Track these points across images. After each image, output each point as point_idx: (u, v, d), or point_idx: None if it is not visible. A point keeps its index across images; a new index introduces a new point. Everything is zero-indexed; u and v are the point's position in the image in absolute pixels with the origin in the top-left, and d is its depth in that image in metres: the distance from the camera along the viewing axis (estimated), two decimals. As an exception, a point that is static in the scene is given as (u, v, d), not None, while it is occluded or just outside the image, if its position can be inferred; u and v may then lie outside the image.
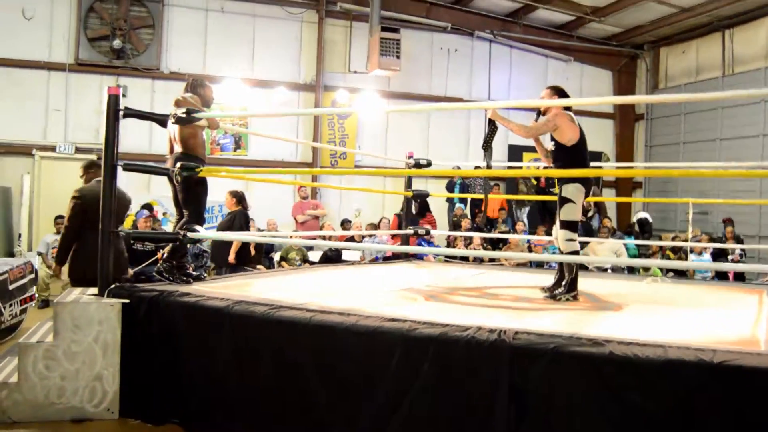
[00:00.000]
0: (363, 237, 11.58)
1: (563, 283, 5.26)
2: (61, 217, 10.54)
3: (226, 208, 12.30)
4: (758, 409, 2.90)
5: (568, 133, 5.18)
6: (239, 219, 9.07)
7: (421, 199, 9.66)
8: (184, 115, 5.09)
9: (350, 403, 3.76)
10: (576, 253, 5.32)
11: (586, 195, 5.28)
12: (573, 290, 5.20)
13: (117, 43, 12.83)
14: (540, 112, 5.47)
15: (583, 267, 9.56)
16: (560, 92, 5.31)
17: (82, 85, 12.88)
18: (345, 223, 12.86)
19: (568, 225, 5.22)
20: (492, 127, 5.38)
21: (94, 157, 12.49)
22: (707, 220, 14.23)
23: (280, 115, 14.96)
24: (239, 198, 9.27)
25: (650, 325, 4.33)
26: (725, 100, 13.97)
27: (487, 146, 5.38)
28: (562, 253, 5.27)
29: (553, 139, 5.27)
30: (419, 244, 9.49)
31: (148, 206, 11.81)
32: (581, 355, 3.21)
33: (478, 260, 10.77)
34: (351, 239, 11.38)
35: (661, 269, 9.73)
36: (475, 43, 15.67)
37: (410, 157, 8.11)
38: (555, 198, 5.44)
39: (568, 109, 5.31)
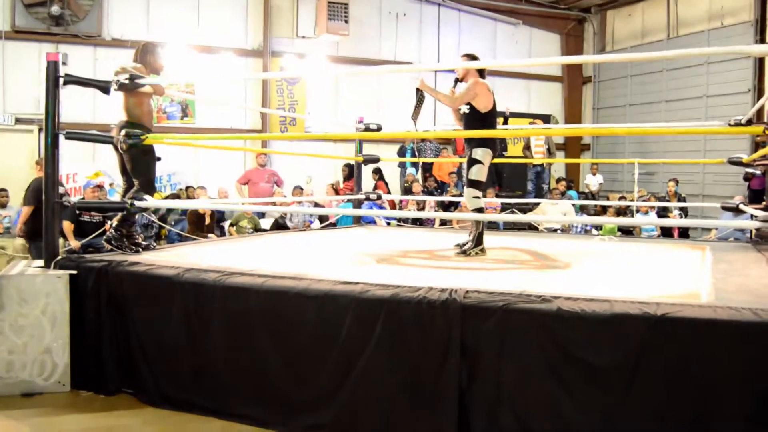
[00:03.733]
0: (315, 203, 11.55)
1: (471, 238, 5.58)
2: (3, 190, 10.29)
3: (174, 177, 12.17)
4: (699, 357, 3.00)
5: (484, 101, 5.52)
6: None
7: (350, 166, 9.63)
8: (126, 82, 4.97)
9: (304, 368, 3.77)
10: (481, 209, 5.66)
11: (492, 158, 5.66)
12: (480, 244, 5.55)
13: (55, 9, 12.40)
14: (457, 80, 5.72)
15: (533, 227, 9.74)
16: (474, 58, 5.59)
17: (20, 53, 12.46)
18: (296, 190, 12.80)
19: (475, 184, 5.58)
20: (420, 96, 5.62)
21: (35, 127, 12.26)
22: (653, 180, 14.53)
23: (227, 78, 14.71)
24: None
25: (597, 281, 4.43)
26: (670, 63, 14.21)
27: (416, 116, 5.55)
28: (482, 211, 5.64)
29: (468, 103, 5.53)
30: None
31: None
32: (530, 312, 3.27)
33: (430, 224, 10.83)
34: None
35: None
36: (424, 7, 15.61)
37: (360, 121, 8.08)
38: (505, 161, 5.71)
39: (482, 76, 5.60)
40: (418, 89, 5.58)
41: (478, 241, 5.54)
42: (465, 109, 5.56)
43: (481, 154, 5.51)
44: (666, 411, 3.04)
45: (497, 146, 5.81)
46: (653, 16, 15.30)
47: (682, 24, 14.52)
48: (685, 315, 3.06)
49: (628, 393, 3.09)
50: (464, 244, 5.66)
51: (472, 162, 5.54)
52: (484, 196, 6.06)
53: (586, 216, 11.95)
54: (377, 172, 12.83)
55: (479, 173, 5.55)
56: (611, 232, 9.63)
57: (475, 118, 5.52)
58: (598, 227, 10.66)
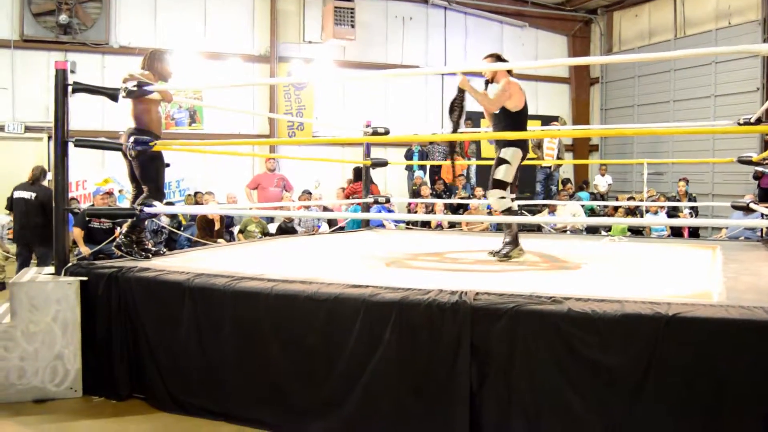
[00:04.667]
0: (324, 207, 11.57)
1: (508, 240, 5.41)
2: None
3: (183, 183, 12.18)
4: (711, 357, 2.98)
5: (516, 100, 5.35)
6: None
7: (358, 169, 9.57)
8: (134, 89, 4.98)
9: (314, 372, 3.77)
10: (510, 209, 5.46)
11: (522, 159, 5.47)
12: (518, 243, 5.41)
13: (63, 17, 12.50)
14: (488, 82, 5.53)
15: (539, 228, 9.72)
16: (500, 58, 5.43)
17: (29, 62, 12.56)
18: (304, 194, 12.81)
19: (500, 184, 5.39)
20: (460, 94, 5.35)
21: (44, 135, 12.32)
22: (663, 180, 14.49)
23: (234, 85, 14.76)
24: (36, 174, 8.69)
25: (608, 282, 4.42)
26: (677, 63, 14.18)
27: (452, 111, 5.38)
28: (491, 213, 5.43)
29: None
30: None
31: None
32: (541, 313, 3.26)
33: (439, 227, 10.83)
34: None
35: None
36: (430, 11, 15.63)
37: (368, 125, 8.08)
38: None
39: (511, 75, 5.43)
40: (459, 87, 5.33)
41: (515, 240, 5.42)
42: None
43: (510, 154, 5.34)
44: (679, 411, 3.02)
45: (528, 146, 5.64)
46: (660, 16, 15.27)
47: (689, 24, 14.48)
48: (696, 315, 3.05)
49: (640, 394, 3.07)
50: (499, 250, 5.50)
51: (500, 162, 5.36)
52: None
53: (596, 217, 11.91)
54: (357, 172, 12.83)
55: (506, 173, 5.35)
56: (621, 233, 9.61)
57: (507, 118, 5.35)
58: (608, 227, 10.63)
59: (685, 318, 3.03)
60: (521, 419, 3.29)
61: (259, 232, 10.35)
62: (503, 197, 5.39)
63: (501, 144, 5.40)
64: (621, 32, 16.46)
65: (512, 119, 5.35)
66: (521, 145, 5.40)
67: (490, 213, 11.37)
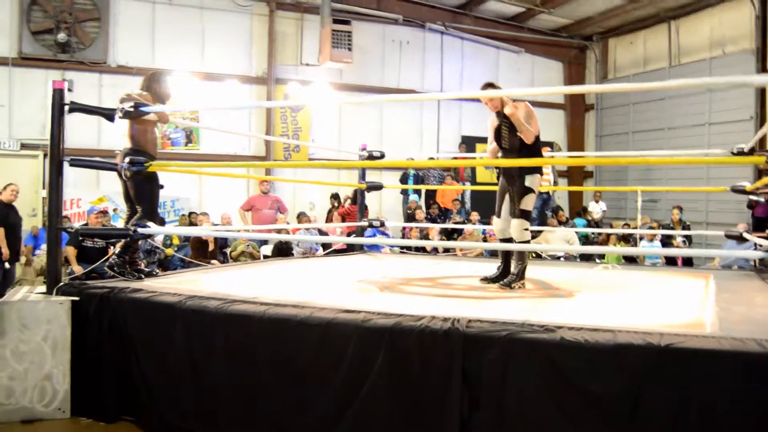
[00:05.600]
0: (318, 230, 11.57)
1: (516, 271, 5.31)
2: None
3: (177, 203, 12.18)
4: (703, 389, 2.97)
5: (534, 125, 5.25)
6: None
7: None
8: (131, 110, 5.00)
9: (305, 397, 3.74)
10: (528, 242, 5.41)
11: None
12: (524, 277, 5.31)
13: (62, 36, 12.55)
14: (499, 113, 5.36)
15: (537, 255, 9.71)
16: (494, 87, 5.31)
17: (27, 79, 12.58)
18: (301, 216, 12.81)
19: (525, 214, 5.30)
20: (507, 123, 5.27)
21: (40, 153, 12.32)
22: (657, 207, 14.52)
23: (231, 108, 14.80)
24: None
25: (600, 310, 4.41)
26: (672, 91, 14.26)
27: (507, 143, 5.32)
28: (512, 241, 5.34)
29: (514, 129, 5.25)
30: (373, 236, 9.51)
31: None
32: (533, 342, 3.25)
33: (435, 251, 10.83)
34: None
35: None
36: (427, 35, 15.72)
37: (363, 149, 8.11)
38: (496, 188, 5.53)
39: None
40: (504, 115, 5.22)
41: (522, 274, 5.30)
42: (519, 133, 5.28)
43: (534, 182, 5.27)
44: (670, 442, 3.01)
45: (542, 172, 5.60)
46: (655, 44, 15.40)
47: (684, 52, 14.61)
48: (689, 346, 3.05)
49: (632, 423, 3.06)
50: (494, 278, 5.49)
51: (526, 191, 5.25)
52: (488, 223, 5.93)
53: (590, 246, 11.92)
54: (335, 197, 12.87)
55: (529, 203, 5.29)
56: (615, 260, 9.61)
57: (525, 144, 5.24)
58: (601, 255, 10.63)
59: (678, 349, 3.03)
60: (512, 448, 3.27)
61: (248, 255, 10.36)
62: (527, 228, 5.32)
63: (525, 171, 5.26)
64: (616, 59, 16.59)
65: (530, 146, 5.27)
66: (541, 171, 5.37)
67: (485, 239, 11.40)
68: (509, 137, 5.32)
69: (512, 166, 5.32)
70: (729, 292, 5.17)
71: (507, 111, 5.15)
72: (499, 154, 5.53)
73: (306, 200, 14.29)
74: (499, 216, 5.54)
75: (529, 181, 5.26)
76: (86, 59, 12.93)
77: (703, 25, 14.14)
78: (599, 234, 12.53)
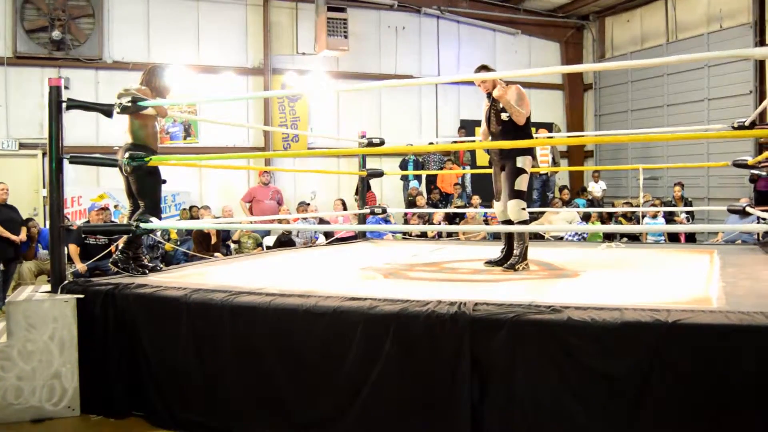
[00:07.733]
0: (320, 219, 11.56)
1: (517, 253, 5.35)
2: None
3: (179, 197, 12.18)
4: (712, 363, 2.97)
5: (525, 107, 5.32)
6: None
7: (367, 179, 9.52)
8: (129, 105, 4.98)
9: (314, 386, 3.75)
10: (527, 221, 5.47)
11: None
12: (527, 257, 5.37)
13: (56, 34, 12.48)
14: (490, 94, 5.45)
15: (539, 236, 9.70)
16: (488, 70, 5.36)
17: (23, 78, 12.52)
18: (301, 206, 12.81)
19: (520, 194, 5.36)
20: (494, 104, 5.38)
21: (38, 152, 12.31)
22: (658, 185, 14.50)
23: (229, 99, 14.76)
24: None
25: (606, 289, 4.41)
26: (670, 67, 14.21)
27: (489, 121, 5.42)
28: (512, 222, 5.38)
29: (504, 110, 5.31)
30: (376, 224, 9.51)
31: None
32: (540, 323, 3.25)
33: (438, 236, 10.82)
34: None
35: (610, 236, 9.86)
36: (423, 20, 15.64)
37: (363, 136, 8.09)
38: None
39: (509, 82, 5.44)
40: (494, 98, 5.32)
41: (525, 254, 5.37)
42: (505, 116, 5.33)
43: (526, 163, 5.33)
44: (681, 418, 3.01)
45: (536, 154, 5.71)
46: (652, 21, 15.31)
47: (681, 28, 14.53)
48: (696, 321, 3.04)
49: (642, 401, 3.06)
50: (498, 260, 5.54)
51: (518, 172, 5.32)
52: (490, 206, 5.96)
53: (594, 224, 11.90)
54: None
55: (523, 183, 5.35)
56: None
57: (515, 126, 5.30)
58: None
59: (686, 324, 3.03)
60: (523, 429, 3.27)
61: (252, 244, 10.36)
62: (524, 208, 5.37)
63: (514, 153, 5.31)
64: (613, 38, 16.51)
65: (521, 127, 5.33)
66: (532, 152, 5.43)
67: (486, 222, 11.39)
68: (497, 119, 5.40)
69: (501, 148, 5.36)
70: (734, 267, 5.17)
71: (495, 93, 5.26)
72: (490, 138, 5.57)
73: (307, 190, 14.26)
74: (498, 199, 5.60)
75: (521, 162, 5.32)
76: (82, 56, 12.86)
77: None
78: (601, 213, 12.49)
